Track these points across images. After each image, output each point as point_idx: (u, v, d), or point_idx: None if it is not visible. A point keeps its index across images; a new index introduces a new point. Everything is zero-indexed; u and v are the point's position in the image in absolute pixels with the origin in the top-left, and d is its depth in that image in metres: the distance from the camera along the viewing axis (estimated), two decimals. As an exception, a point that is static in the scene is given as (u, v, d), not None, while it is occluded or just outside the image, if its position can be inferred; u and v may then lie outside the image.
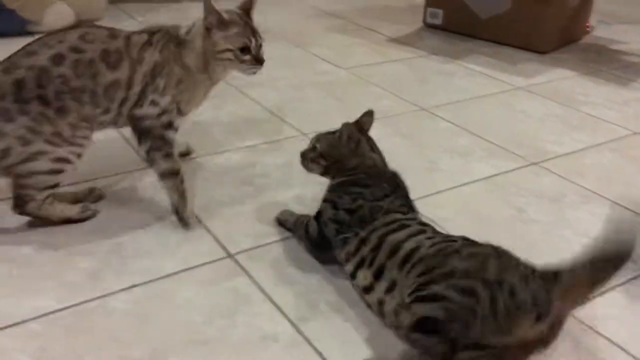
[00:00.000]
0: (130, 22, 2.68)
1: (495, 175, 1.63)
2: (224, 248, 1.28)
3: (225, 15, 1.27)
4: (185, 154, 1.62)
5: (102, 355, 1.00)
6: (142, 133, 1.30)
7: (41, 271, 1.18)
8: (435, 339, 0.91)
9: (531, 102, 2.12)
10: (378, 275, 1.07)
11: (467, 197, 1.52)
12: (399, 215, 1.16)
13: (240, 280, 1.19)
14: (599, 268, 0.96)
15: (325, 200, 1.24)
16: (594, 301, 1.15)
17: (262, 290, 1.16)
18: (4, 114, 1.16)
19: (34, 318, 1.06)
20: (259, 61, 1.32)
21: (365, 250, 1.11)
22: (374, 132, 1.32)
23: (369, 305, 1.11)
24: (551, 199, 1.53)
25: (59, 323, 1.06)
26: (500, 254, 1.00)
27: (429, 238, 1.08)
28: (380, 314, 1.07)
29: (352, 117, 1.31)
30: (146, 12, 2.85)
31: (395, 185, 1.24)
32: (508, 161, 1.70)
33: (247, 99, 2.02)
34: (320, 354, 1.02)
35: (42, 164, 1.20)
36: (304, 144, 1.35)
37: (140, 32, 1.31)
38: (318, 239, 1.22)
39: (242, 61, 1.30)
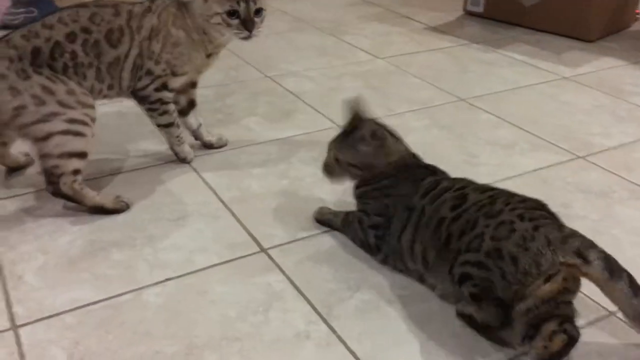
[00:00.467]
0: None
1: (539, 169, 1.56)
2: (257, 242, 1.26)
3: None
4: (220, 145, 1.61)
5: (136, 350, 0.99)
6: (140, 99, 1.41)
7: (76, 263, 1.18)
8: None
9: (577, 93, 2.03)
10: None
11: (509, 192, 1.46)
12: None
13: (274, 275, 1.17)
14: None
15: (359, 210, 1.22)
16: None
17: (296, 287, 1.14)
18: (21, 73, 1.21)
19: (69, 310, 1.07)
20: (246, 26, 1.32)
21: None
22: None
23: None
24: (598, 195, 1.46)
25: (93, 316, 1.06)
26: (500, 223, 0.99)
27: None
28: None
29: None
30: None
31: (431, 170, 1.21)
32: (553, 154, 1.63)
33: (281, 89, 1.99)
34: (353, 353, 1.00)
35: (57, 124, 1.22)
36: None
37: (142, 2, 1.38)
38: (366, 245, 1.21)
39: (229, 25, 1.32)
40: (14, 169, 1.46)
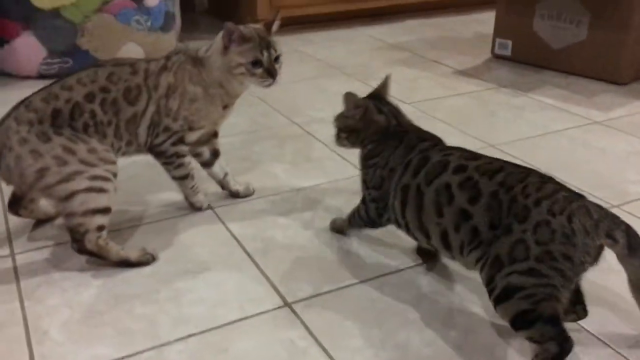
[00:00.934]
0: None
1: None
2: (280, 295, 1.24)
3: (244, 31, 1.35)
4: (247, 195, 1.61)
5: (154, 411, 0.97)
6: (157, 154, 1.44)
7: (100, 318, 1.18)
8: (539, 327, 0.97)
9: (610, 138, 1.98)
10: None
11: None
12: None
13: (297, 331, 1.14)
14: None
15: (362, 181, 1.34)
16: None
17: (320, 344, 1.11)
18: (41, 136, 1.24)
19: (91, 367, 1.06)
20: (270, 74, 1.37)
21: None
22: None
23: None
24: (635, 247, 1.40)
25: (114, 373, 1.05)
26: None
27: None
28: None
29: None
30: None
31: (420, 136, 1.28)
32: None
33: (308, 137, 2.00)
34: (379, 418, 0.96)
35: (80, 183, 1.24)
36: (365, 188, 1.30)
37: (158, 59, 1.42)
38: (369, 220, 1.32)
39: (253, 74, 1.37)
40: (45, 221, 1.48)
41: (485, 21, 3.40)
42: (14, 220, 1.47)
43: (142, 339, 1.12)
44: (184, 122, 1.40)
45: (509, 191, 1.03)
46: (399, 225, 1.25)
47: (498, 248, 1.01)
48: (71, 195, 1.24)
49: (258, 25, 1.40)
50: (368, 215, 1.31)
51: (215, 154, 1.57)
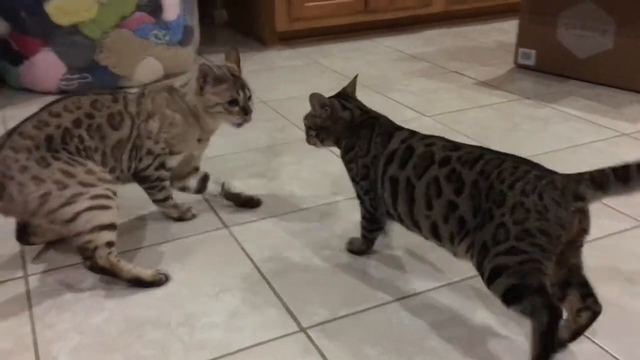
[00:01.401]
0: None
1: (600, 238, 1.45)
2: (295, 320, 1.20)
3: (217, 72, 1.41)
4: (248, 197, 1.64)
5: None
6: (141, 180, 1.48)
7: (111, 343, 1.15)
8: (528, 299, 1.00)
9: (639, 151, 1.91)
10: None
11: (567, 264, 1.35)
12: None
13: (312, 358, 1.10)
14: None
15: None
16: None
17: (336, 373, 1.07)
18: (41, 162, 1.25)
19: (100, 395, 1.03)
20: (246, 112, 1.44)
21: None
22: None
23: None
24: (668, 268, 1.34)
25: (123, 402, 1.02)
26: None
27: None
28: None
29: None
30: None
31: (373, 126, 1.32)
32: (615, 221, 1.52)
33: (325, 151, 1.96)
34: None
35: (82, 203, 1.24)
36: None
37: (135, 91, 1.47)
38: (370, 216, 1.34)
39: (231, 113, 1.43)
40: (57, 241, 1.47)
41: (506, 30, 3.34)
42: (28, 240, 1.46)
43: (153, 366, 1.10)
44: (165, 144, 1.45)
45: (487, 179, 1.08)
46: (391, 217, 1.28)
47: (483, 235, 1.06)
48: (75, 217, 1.24)
49: (231, 64, 1.47)
50: (367, 210, 1.34)
51: (204, 179, 1.62)
